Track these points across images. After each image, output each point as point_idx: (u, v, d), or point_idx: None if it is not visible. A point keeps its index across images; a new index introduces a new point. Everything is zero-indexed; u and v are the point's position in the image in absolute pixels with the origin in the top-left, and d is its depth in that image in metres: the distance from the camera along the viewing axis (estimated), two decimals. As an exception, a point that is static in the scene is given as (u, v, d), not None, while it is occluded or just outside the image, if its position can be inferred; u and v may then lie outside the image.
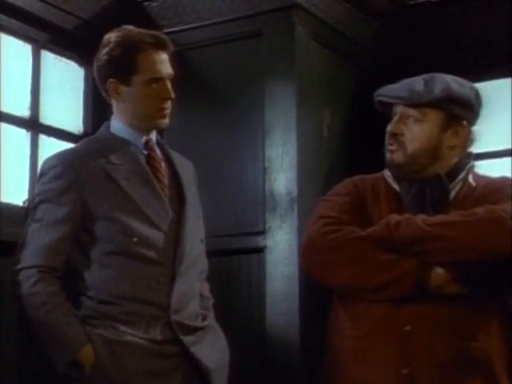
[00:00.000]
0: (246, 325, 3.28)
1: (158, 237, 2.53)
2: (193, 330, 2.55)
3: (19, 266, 2.47)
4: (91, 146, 2.61)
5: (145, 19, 3.46)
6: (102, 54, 2.59)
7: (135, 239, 2.49)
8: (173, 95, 2.60)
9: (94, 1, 3.39)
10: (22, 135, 3.22)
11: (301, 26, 3.36)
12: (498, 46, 3.59)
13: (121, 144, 2.60)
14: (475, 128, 2.74)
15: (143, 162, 2.60)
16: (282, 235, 3.24)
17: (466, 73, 2.89)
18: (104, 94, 2.64)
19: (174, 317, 2.50)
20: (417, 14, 3.71)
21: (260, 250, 3.29)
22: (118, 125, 2.63)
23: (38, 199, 2.53)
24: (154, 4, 3.51)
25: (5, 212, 2.95)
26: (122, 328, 2.45)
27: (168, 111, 2.61)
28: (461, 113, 2.66)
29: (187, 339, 2.51)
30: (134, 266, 2.49)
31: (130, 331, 2.45)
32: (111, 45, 2.57)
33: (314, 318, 3.07)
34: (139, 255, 2.49)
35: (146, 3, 3.52)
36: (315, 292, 2.90)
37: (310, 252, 2.66)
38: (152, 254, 2.51)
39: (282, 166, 3.28)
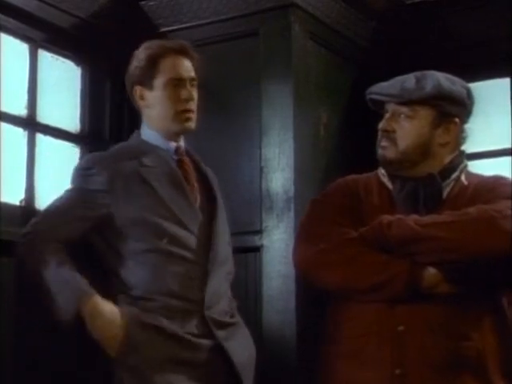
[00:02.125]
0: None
1: (188, 237, 2.59)
2: (224, 325, 2.61)
3: (30, 229, 2.54)
4: (124, 150, 2.70)
5: (141, 18, 3.46)
6: (130, 66, 2.68)
7: (166, 240, 2.55)
8: (193, 96, 2.64)
9: (90, 0, 3.38)
10: (19, 134, 3.22)
11: (298, 25, 3.35)
12: (498, 46, 3.58)
13: (152, 149, 2.66)
14: (467, 126, 2.74)
15: (174, 165, 2.66)
16: (278, 234, 3.24)
17: (465, 72, 2.89)
18: (135, 105, 2.71)
19: (207, 312, 2.56)
20: (414, 13, 3.71)
21: (256, 250, 3.28)
22: (148, 132, 2.70)
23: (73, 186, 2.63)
24: (151, 3, 3.50)
25: (2, 211, 2.95)
26: (160, 319, 2.50)
27: (191, 114, 2.65)
28: (452, 110, 2.66)
29: (220, 334, 2.57)
30: (167, 263, 2.55)
31: (166, 324, 2.50)
32: (136, 56, 2.67)
33: (311, 317, 3.06)
34: (171, 253, 2.55)
35: (142, 2, 3.51)
36: (312, 291, 2.89)
37: (302, 253, 2.66)
38: (183, 253, 2.56)
39: (278, 166, 3.27)
